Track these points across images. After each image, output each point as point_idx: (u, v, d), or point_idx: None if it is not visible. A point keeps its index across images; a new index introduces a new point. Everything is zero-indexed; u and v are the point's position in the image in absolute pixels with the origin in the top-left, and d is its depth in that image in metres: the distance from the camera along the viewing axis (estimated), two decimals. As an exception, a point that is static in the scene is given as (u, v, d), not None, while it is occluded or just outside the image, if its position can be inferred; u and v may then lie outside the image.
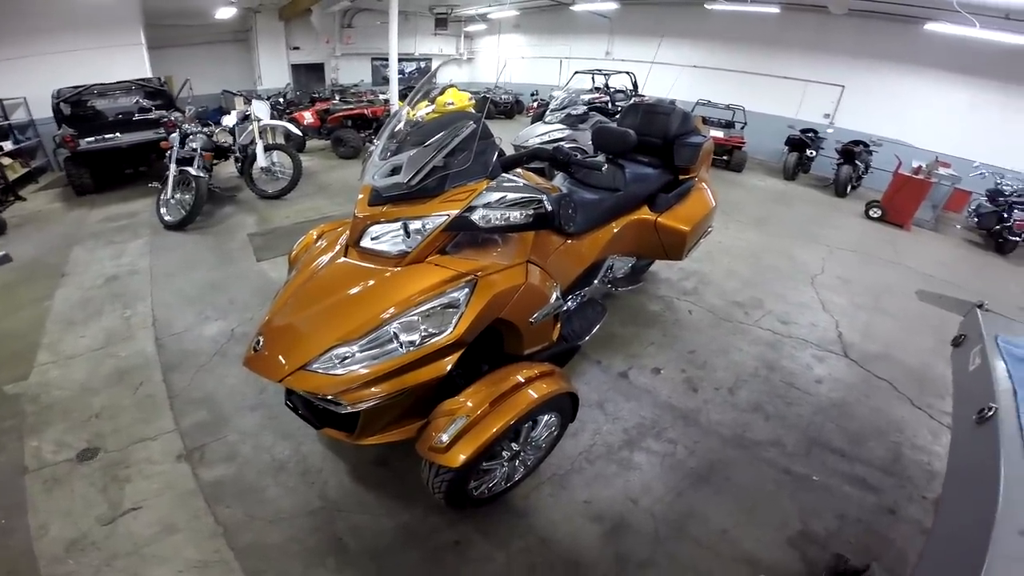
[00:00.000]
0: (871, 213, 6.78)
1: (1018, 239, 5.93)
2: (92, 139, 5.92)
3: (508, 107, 13.84)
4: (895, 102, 8.71)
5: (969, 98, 7.95)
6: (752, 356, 3.20)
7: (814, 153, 8.63)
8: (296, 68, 13.40)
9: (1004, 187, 6.43)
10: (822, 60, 9.38)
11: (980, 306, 1.72)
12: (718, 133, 8.48)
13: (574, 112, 6.17)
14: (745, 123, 9.09)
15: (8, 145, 6.75)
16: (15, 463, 2.20)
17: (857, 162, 7.88)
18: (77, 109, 6.56)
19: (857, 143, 8.01)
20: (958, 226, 6.93)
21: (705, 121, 8.79)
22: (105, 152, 6.07)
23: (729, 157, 8.75)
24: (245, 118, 5.90)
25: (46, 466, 2.19)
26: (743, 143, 8.75)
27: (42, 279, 3.98)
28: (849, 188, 7.88)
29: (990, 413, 1.18)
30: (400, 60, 8.54)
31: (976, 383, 1.39)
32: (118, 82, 6.98)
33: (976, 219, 6.43)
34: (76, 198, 6.27)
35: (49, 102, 6.46)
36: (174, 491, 2.08)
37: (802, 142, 8.65)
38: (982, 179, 6.72)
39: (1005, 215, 6.04)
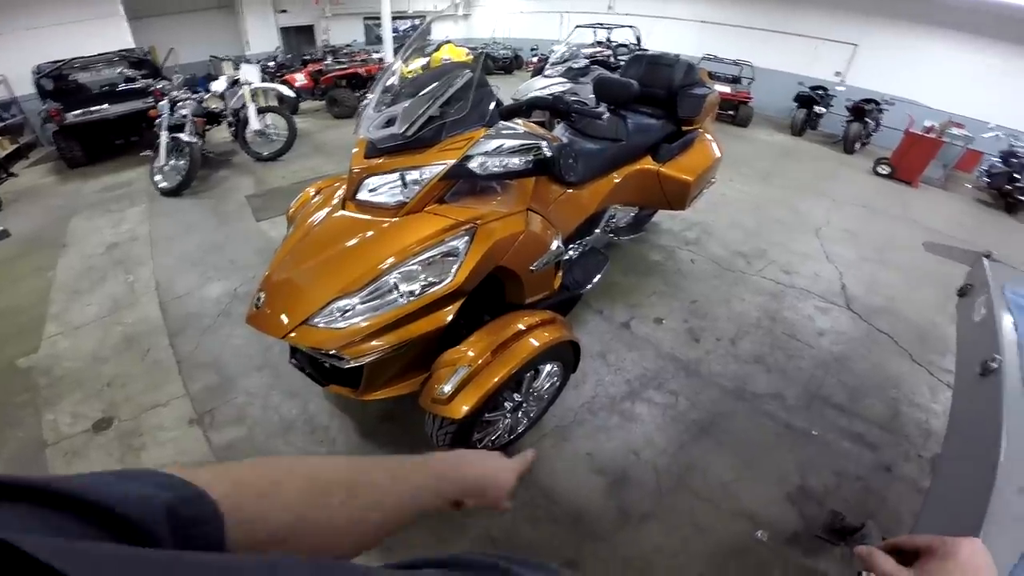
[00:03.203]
0: (880, 170, 6.70)
1: (1028, 199, 5.89)
2: (79, 112, 5.84)
3: (507, 62, 13.45)
4: (910, 62, 8.49)
5: (987, 60, 7.76)
6: (754, 306, 3.19)
7: (823, 110, 8.48)
8: (285, 31, 12.97)
9: (1018, 149, 6.37)
10: (835, 18, 9.10)
11: (988, 256, 1.65)
12: (725, 88, 8.27)
13: (575, 66, 5.96)
14: (752, 79, 8.87)
15: None
16: (35, 437, 2.22)
17: (867, 120, 7.76)
18: (60, 83, 6.43)
19: (869, 101, 7.88)
20: (968, 185, 6.83)
21: (711, 76, 8.56)
22: (94, 124, 5.99)
23: (735, 112, 8.61)
24: (235, 83, 5.76)
25: (64, 439, 2.21)
26: (750, 98, 8.57)
27: (43, 251, 3.95)
28: (858, 145, 7.78)
29: (994, 366, 1.13)
30: (394, 18, 8.22)
31: (981, 334, 1.34)
32: (100, 54, 6.81)
33: (987, 179, 6.39)
34: (69, 171, 6.19)
35: (30, 79, 6.32)
36: (188, 456, 2.10)
37: (811, 99, 8.48)
38: (996, 140, 6.66)
39: (1016, 175, 6.00)
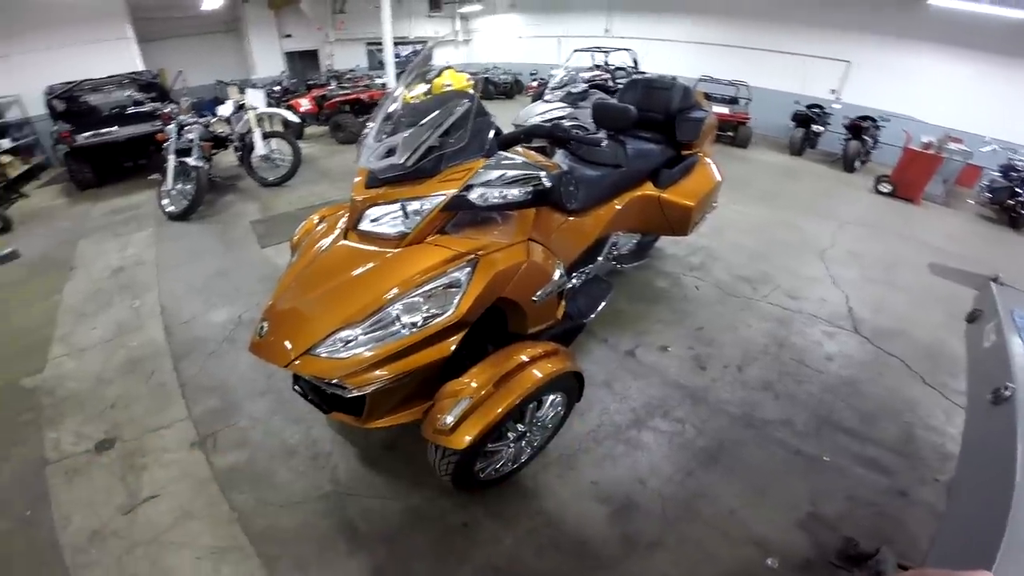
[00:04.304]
0: (881, 188, 6.70)
1: (1032, 214, 5.87)
2: (89, 134, 5.95)
3: (508, 87, 13.68)
4: (903, 78, 8.54)
5: (978, 73, 7.80)
6: (761, 332, 3.17)
7: (821, 128, 8.52)
8: (290, 56, 13.24)
9: (1017, 162, 6.35)
10: (827, 36, 9.20)
11: (995, 280, 1.62)
12: (722, 109, 8.38)
13: (574, 90, 6.06)
14: (750, 99, 8.97)
15: (6, 143, 6.73)
16: (36, 455, 2.25)
17: (865, 137, 7.79)
18: (71, 105, 6.54)
19: (865, 118, 7.92)
20: (970, 200, 6.81)
21: (709, 97, 8.65)
22: (103, 146, 6.09)
23: (734, 133, 8.66)
24: (240, 107, 5.85)
25: (66, 457, 2.24)
26: (748, 119, 8.64)
27: (51, 273, 4.01)
28: (858, 163, 7.79)
29: (1007, 393, 1.10)
30: (395, 44, 8.37)
31: (992, 361, 1.31)
32: (109, 76, 6.96)
33: (989, 194, 6.36)
34: (79, 193, 6.29)
35: (42, 99, 6.46)
36: (189, 479, 2.11)
37: (808, 118, 8.54)
38: (994, 154, 6.65)
39: (1018, 190, 5.98)
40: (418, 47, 15.62)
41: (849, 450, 2.31)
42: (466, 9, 16.01)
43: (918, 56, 8.31)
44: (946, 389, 2.74)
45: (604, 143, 1.99)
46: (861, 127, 7.77)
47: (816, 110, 8.62)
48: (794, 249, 4.45)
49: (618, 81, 7.76)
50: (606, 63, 9.47)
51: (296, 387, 1.97)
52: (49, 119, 6.51)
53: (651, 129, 3.04)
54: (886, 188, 6.64)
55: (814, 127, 8.47)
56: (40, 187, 6.91)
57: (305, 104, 8.44)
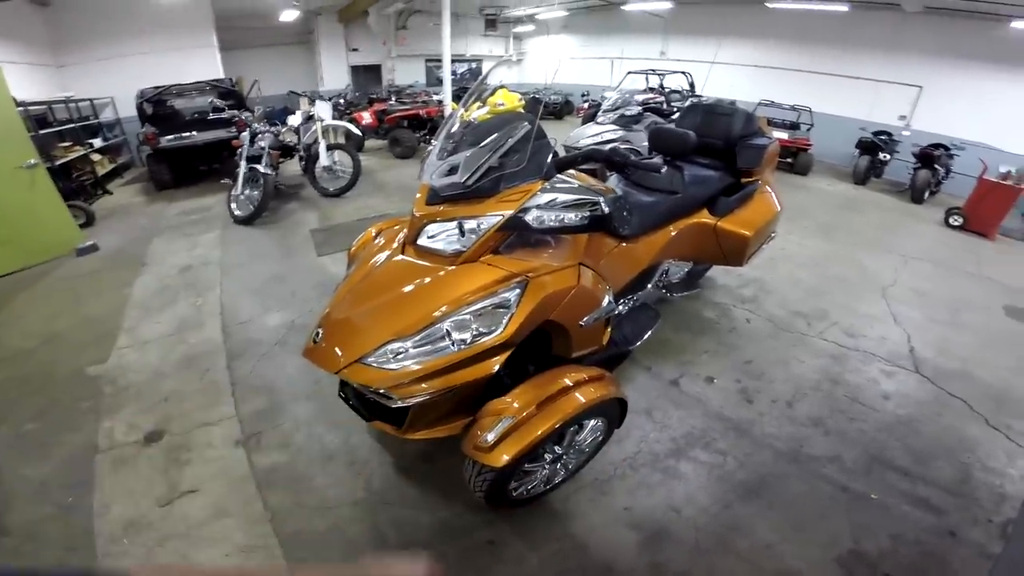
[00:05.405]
0: (951, 221, 6.28)
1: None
2: (171, 137, 6.36)
3: (557, 108, 13.73)
4: (980, 104, 8.00)
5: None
6: (814, 369, 3.02)
7: (888, 157, 8.09)
8: (355, 69, 13.88)
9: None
10: (897, 60, 8.78)
11: None
12: (782, 135, 8.10)
13: (628, 113, 6.04)
14: (812, 125, 8.65)
15: (98, 142, 7.22)
16: (89, 443, 2.34)
17: (936, 167, 7.31)
18: (158, 108, 6.98)
19: (937, 146, 7.45)
20: (1054, 237, 6.26)
21: (769, 122, 8.43)
22: (183, 149, 6.51)
23: (794, 160, 8.36)
24: (309, 118, 6.11)
25: (116, 447, 2.31)
26: (809, 145, 8.32)
27: (125, 267, 4.30)
28: (927, 194, 7.33)
29: None
30: (452, 61, 8.62)
31: None
32: (195, 83, 7.38)
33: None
34: (156, 192, 6.76)
35: (132, 101, 6.92)
36: (229, 476, 2.16)
37: (874, 145, 8.13)
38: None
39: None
40: (473, 64, 16.05)
41: (899, 488, 2.21)
42: (520, 29, 16.33)
43: (997, 80, 7.79)
44: (1011, 431, 2.59)
45: (663, 169, 1.96)
46: (932, 156, 7.32)
47: (883, 137, 8.21)
48: (854, 285, 4.23)
49: (673, 104, 7.69)
50: (661, 86, 9.40)
51: (341, 393, 2.02)
52: (137, 121, 6.96)
53: (710, 155, 2.98)
54: (957, 221, 6.21)
55: (880, 155, 8.06)
56: (122, 185, 7.45)
57: (367, 118, 8.72)
